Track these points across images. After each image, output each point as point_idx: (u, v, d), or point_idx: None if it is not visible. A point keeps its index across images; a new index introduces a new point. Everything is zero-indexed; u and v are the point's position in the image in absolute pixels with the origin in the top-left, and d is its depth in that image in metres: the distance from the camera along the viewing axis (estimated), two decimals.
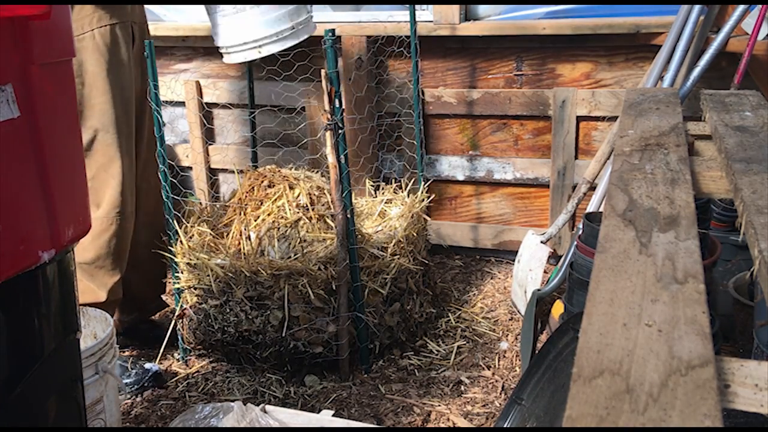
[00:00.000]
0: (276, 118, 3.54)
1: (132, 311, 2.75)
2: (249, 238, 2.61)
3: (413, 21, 2.96)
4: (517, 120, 3.24)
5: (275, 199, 2.69)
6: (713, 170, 1.40)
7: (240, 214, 2.72)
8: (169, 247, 2.60)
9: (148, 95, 2.47)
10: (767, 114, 1.66)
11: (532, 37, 3.09)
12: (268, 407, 1.94)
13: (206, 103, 3.61)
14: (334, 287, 2.43)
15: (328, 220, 2.63)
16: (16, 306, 1.28)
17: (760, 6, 2.55)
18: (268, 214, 2.66)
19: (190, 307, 2.58)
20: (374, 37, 3.24)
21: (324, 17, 3.48)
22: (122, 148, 2.43)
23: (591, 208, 2.71)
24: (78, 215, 1.38)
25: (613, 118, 3.01)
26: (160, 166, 2.50)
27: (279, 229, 2.60)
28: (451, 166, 3.37)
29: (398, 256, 2.60)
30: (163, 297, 2.90)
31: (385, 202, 2.97)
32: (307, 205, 2.64)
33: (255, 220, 2.66)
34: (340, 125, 2.36)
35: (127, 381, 2.45)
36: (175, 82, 3.60)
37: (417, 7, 3.18)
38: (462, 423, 2.25)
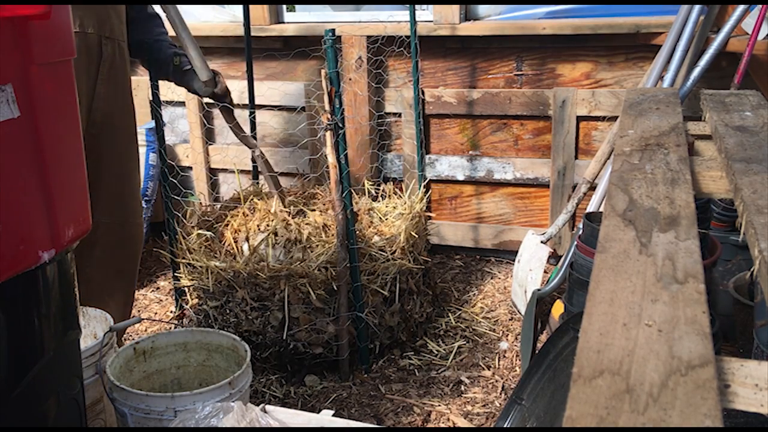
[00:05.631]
0: (275, 117, 3.54)
1: None
2: (248, 238, 2.61)
3: (413, 21, 2.96)
4: (517, 120, 3.23)
5: (274, 202, 2.69)
6: (713, 170, 1.40)
7: (240, 214, 2.72)
8: (170, 248, 2.60)
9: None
10: (767, 114, 1.66)
11: (532, 37, 3.09)
12: (268, 407, 1.94)
13: (206, 103, 3.60)
14: (334, 287, 2.43)
15: (328, 221, 2.63)
16: (16, 306, 1.28)
17: (760, 6, 2.55)
18: (268, 215, 2.66)
19: (190, 307, 2.58)
20: (374, 37, 3.24)
21: (324, 17, 3.48)
22: None
23: (591, 208, 2.71)
24: (78, 215, 1.38)
25: (613, 118, 3.01)
26: (161, 165, 2.50)
27: (278, 230, 2.60)
28: (451, 166, 3.36)
29: (398, 257, 2.60)
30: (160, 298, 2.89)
31: (385, 203, 2.97)
32: (305, 208, 2.65)
33: (255, 221, 2.66)
34: (340, 125, 2.36)
35: None
36: None
37: (417, 7, 3.18)
38: (462, 423, 2.25)
